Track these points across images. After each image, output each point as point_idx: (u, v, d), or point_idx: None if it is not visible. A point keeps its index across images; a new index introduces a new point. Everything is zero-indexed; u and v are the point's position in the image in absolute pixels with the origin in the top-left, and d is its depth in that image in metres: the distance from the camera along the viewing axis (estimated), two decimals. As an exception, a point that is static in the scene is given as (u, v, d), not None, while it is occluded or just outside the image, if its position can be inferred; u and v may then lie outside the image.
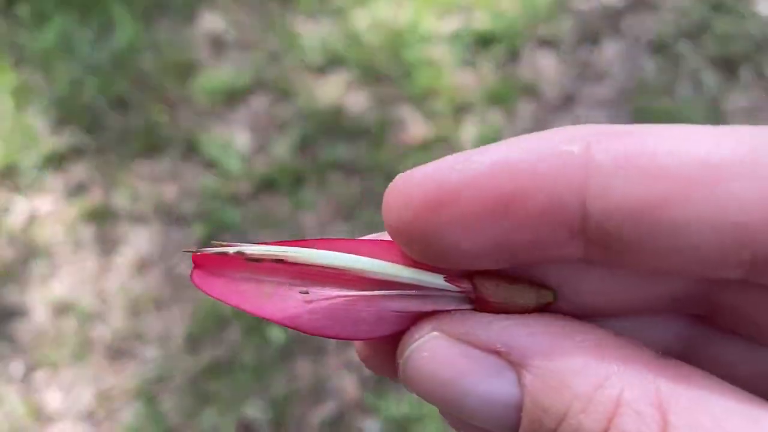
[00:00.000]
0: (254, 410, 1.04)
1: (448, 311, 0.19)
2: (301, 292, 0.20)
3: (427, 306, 0.20)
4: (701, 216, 0.15)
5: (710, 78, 1.31)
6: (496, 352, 0.17)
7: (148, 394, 1.06)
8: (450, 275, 0.20)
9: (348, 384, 1.05)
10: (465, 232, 0.17)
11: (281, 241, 0.21)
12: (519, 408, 0.17)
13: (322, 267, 0.20)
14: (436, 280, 0.20)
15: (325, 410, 1.03)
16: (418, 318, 0.20)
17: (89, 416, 1.05)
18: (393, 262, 0.20)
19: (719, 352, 0.20)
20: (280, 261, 0.20)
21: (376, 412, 1.02)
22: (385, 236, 0.21)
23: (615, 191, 0.16)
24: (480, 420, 0.18)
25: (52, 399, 1.06)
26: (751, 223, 0.15)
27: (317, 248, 0.20)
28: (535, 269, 0.19)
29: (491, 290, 0.19)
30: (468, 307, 0.20)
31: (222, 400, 1.05)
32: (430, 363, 0.18)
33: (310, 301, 0.20)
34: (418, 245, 0.18)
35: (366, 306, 0.20)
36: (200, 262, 0.21)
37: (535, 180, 0.16)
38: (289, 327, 0.20)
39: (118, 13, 1.43)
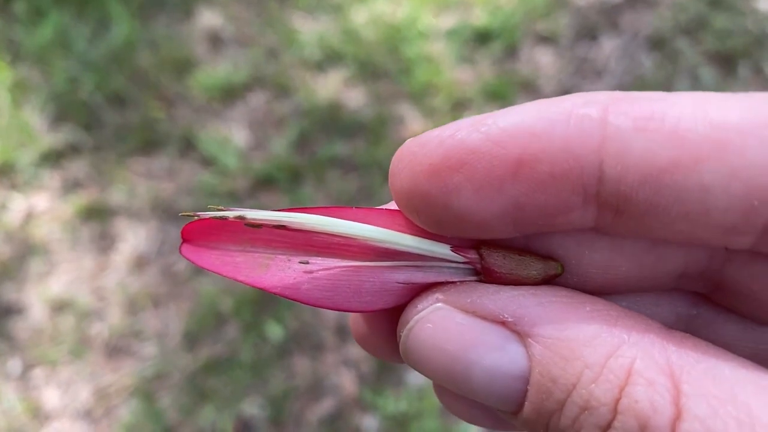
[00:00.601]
0: (252, 407, 1.04)
1: (454, 282, 0.19)
2: (300, 263, 0.20)
3: (432, 277, 0.19)
4: (715, 179, 0.15)
5: (708, 74, 1.31)
6: (503, 323, 0.17)
7: (145, 392, 1.06)
8: (456, 245, 0.19)
9: (346, 381, 1.05)
10: (478, 195, 0.17)
11: (283, 209, 0.20)
12: (525, 380, 0.17)
13: (325, 234, 0.19)
14: (442, 249, 0.19)
15: (323, 407, 1.03)
16: (421, 290, 0.19)
17: (87, 414, 1.05)
18: (398, 231, 0.20)
19: (719, 331, 0.20)
20: (281, 227, 0.19)
21: (375, 409, 1.02)
22: (389, 207, 0.21)
23: (632, 153, 0.16)
24: (484, 394, 0.17)
25: (50, 397, 1.06)
26: (764, 186, 0.15)
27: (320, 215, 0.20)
28: (541, 242, 0.19)
29: (498, 261, 0.19)
30: (474, 278, 0.19)
31: (220, 397, 1.05)
32: (435, 334, 0.18)
33: (311, 272, 0.20)
34: (427, 210, 0.18)
35: (369, 277, 0.19)
36: (190, 236, 0.20)
37: (552, 142, 0.16)
38: (287, 297, 0.19)
39: (115, 9, 1.42)
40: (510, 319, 0.17)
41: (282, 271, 0.20)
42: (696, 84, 1.30)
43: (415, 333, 0.18)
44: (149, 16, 1.44)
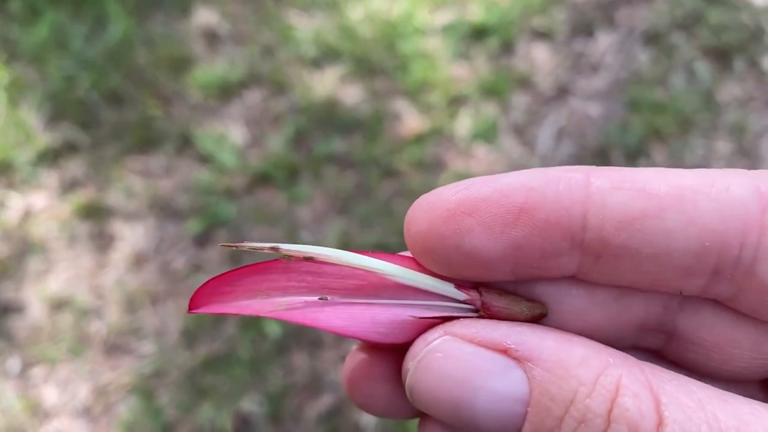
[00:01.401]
0: (251, 404, 1.04)
1: (457, 318, 0.22)
2: (320, 299, 0.22)
3: (438, 312, 0.22)
4: (675, 225, 0.19)
5: (704, 68, 1.31)
6: (504, 351, 0.19)
7: (144, 389, 1.06)
8: (459, 284, 0.22)
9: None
10: (486, 236, 0.20)
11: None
12: (526, 403, 0.19)
13: (348, 266, 0.22)
14: (447, 287, 0.22)
15: (321, 404, 1.04)
16: (428, 327, 0.22)
17: (86, 412, 1.05)
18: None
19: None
20: (309, 259, 0.22)
21: (373, 405, 1.03)
22: (402, 254, 0.23)
23: (610, 205, 0.19)
24: (486, 419, 0.19)
25: (49, 395, 1.07)
26: (712, 230, 0.19)
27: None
28: (527, 288, 0.22)
29: (494, 298, 0.22)
30: (474, 314, 0.22)
31: (219, 394, 1.05)
32: (444, 363, 0.20)
33: (329, 305, 0.22)
34: (440, 250, 0.21)
35: (383, 312, 0.22)
36: (196, 304, 0.23)
37: (547, 195, 0.20)
38: (306, 325, 0.22)
39: (112, 7, 1.42)
40: (512, 346, 0.19)
41: (301, 306, 0.22)
42: (692, 78, 1.30)
43: (425, 363, 0.20)
44: (146, 14, 1.44)
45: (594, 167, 0.20)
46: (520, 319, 0.22)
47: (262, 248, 0.22)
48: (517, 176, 0.20)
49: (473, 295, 0.22)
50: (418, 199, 0.22)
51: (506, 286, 0.22)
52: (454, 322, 0.21)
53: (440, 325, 0.21)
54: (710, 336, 0.22)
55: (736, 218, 0.19)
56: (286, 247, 0.22)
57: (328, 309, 0.22)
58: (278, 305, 0.22)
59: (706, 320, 0.22)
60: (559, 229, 0.20)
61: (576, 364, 0.18)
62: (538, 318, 0.22)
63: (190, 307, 0.23)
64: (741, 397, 0.18)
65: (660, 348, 0.23)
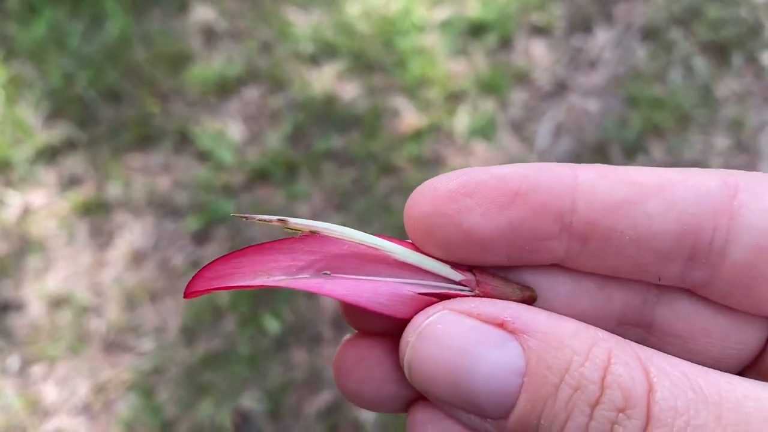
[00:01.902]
0: (250, 401, 1.04)
1: (455, 296, 0.23)
2: (323, 274, 0.23)
3: (436, 291, 0.23)
4: (656, 209, 0.21)
5: (702, 64, 1.31)
6: (501, 324, 0.20)
7: (144, 386, 1.06)
8: (455, 266, 0.23)
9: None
10: (484, 215, 0.22)
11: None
12: (522, 374, 0.20)
13: (350, 242, 0.23)
14: (444, 267, 0.23)
15: (321, 400, 1.04)
16: (427, 304, 0.22)
17: (86, 409, 1.05)
18: None
19: None
20: (315, 233, 0.23)
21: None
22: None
23: (598, 192, 0.21)
24: (485, 390, 0.20)
25: (49, 392, 1.07)
26: (689, 213, 0.21)
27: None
28: (516, 275, 0.24)
29: (488, 279, 0.23)
30: (470, 294, 0.23)
31: (218, 391, 1.05)
32: (445, 334, 0.21)
33: (332, 278, 0.23)
34: (441, 228, 0.22)
35: (383, 287, 0.23)
36: (194, 286, 0.23)
37: (540, 182, 0.21)
38: (311, 292, 0.22)
39: (109, 4, 1.42)
40: (509, 319, 0.20)
41: (304, 280, 0.23)
42: (690, 74, 1.30)
43: (425, 335, 0.21)
44: (143, 11, 1.44)
45: (580, 164, 0.22)
46: (513, 299, 0.23)
47: (270, 220, 0.23)
48: (513, 166, 0.22)
49: (468, 276, 0.23)
50: (418, 187, 0.23)
51: (498, 272, 0.24)
52: (453, 299, 0.22)
53: (440, 302, 0.22)
54: (685, 326, 0.23)
55: (708, 203, 0.21)
56: (293, 221, 0.23)
57: (331, 282, 0.23)
58: (281, 281, 0.23)
59: (681, 311, 0.23)
60: (550, 212, 0.21)
61: (569, 336, 0.20)
62: (529, 300, 0.23)
63: (188, 290, 0.23)
64: (718, 371, 0.19)
65: (640, 342, 0.24)
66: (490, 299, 0.22)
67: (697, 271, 0.22)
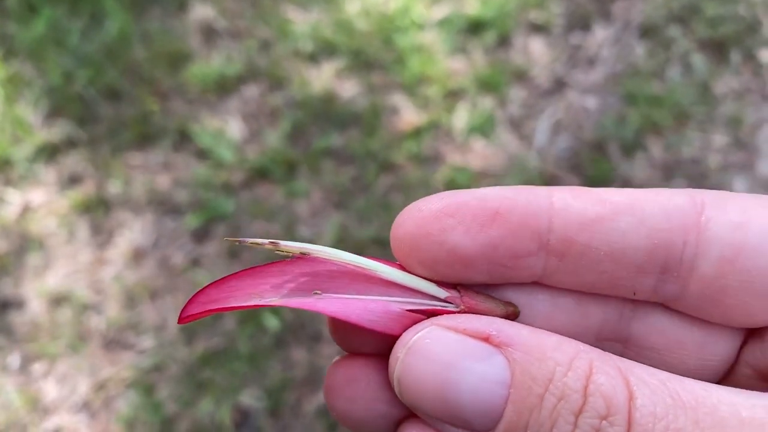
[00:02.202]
0: (250, 398, 1.05)
1: (441, 312, 0.24)
2: (314, 293, 0.24)
3: (423, 307, 0.24)
4: (629, 225, 0.22)
5: (700, 61, 1.31)
6: (486, 339, 0.21)
7: (144, 384, 1.06)
8: (440, 284, 0.24)
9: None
10: (466, 234, 0.23)
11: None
12: (507, 386, 0.20)
13: (340, 263, 0.24)
14: (429, 285, 0.24)
15: (320, 398, 1.04)
16: (414, 321, 0.23)
17: (86, 406, 1.06)
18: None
19: None
20: (305, 254, 0.24)
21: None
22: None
23: (572, 210, 0.23)
24: (474, 400, 0.21)
25: (49, 390, 1.07)
26: (660, 229, 0.22)
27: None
28: (497, 293, 0.25)
29: (472, 295, 0.24)
30: (455, 311, 0.24)
31: (218, 388, 1.05)
32: (433, 348, 0.21)
33: (323, 299, 0.24)
34: (425, 247, 0.23)
35: (373, 304, 0.24)
36: (189, 312, 0.24)
37: (518, 202, 0.23)
38: (304, 309, 0.23)
39: (109, 3, 1.42)
40: (494, 333, 0.21)
41: (297, 299, 0.24)
42: (688, 71, 1.30)
43: (414, 349, 0.22)
44: (142, 9, 1.44)
45: (556, 187, 0.24)
46: (497, 315, 0.24)
47: (262, 243, 0.24)
48: (494, 189, 0.23)
49: (453, 293, 0.24)
50: (403, 209, 0.24)
51: (481, 290, 0.25)
52: (440, 316, 0.23)
53: (428, 319, 0.23)
54: (660, 339, 0.25)
55: (677, 219, 0.22)
56: (284, 244, 0.24)
57: (322, 301, 0.24)
58: (273, 301, 0.23)
59: (656, 325, 0.25)
60: (528, 230, 0.23)
61: (551, 348, 0.20)
62: (512, 315, 0.24)
63: (183, 315, 0.24)
64: (693, 379, 0.20)
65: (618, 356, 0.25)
66: (475, 315, 0.23)
67: (669, 285, 0.23)
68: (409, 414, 0.24)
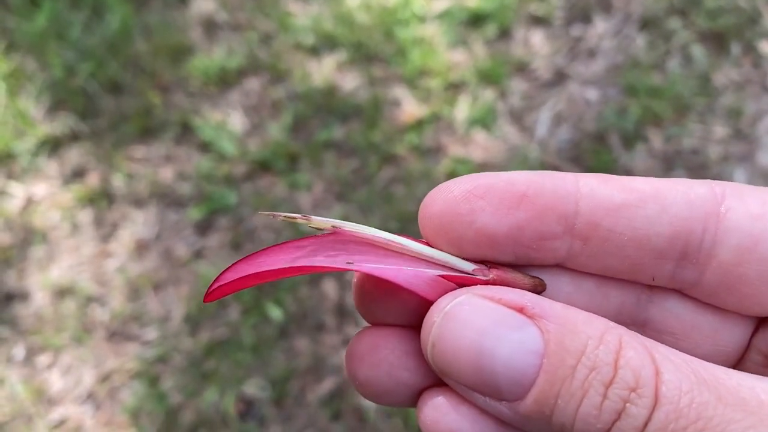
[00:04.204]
0: (254, 388, 1.05)
1: (472, 281, 0.24)
2: (346, 263, 0.24)
3: (454, 274, 0.24)
4: (653, 212, 0.23)
5: (700, 53, 1.32)
6: (521, 309, 0.22)
7: (149, 375, 1.07)
8: (467, 259, 0.25)
9: (346, 361, 1.06)
10: (494, 215, 0.24)
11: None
12: (542, 355, 0.21)
13: (369, 239, 0.24)
14: (459, 260, 0.25)
15: (324, 387, 1.05)
16: (446, 288, 0.24)
17: (91, 397, 1.06)
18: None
19: None
20: (336, 228, 0.24)
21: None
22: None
23: (599, 196, 0.23)
24: (505, 369, 0.21)
25: (54, 381, 1.08)
26: (682, 217, 0.23)
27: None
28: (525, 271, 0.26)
29: (502, 270, 0.25)
30: (485, 280, 0.24)
31: (222, 378, 1.06)
32: (470, 314, 0.22)
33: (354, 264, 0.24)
34: (454, 226, 0.24)
35: (405, 269, 0.24)
36: (214, 291, 0.24)
37: (545, 186, 0.24)
38: (340, 271, 0.23)
39: (109, -4, 1.43)
40: (528, 304, 0.22)
41: (332, 263, 0.24)
42: (688, 63, 1.31)
43: (452, 314, 0.22)
44: (143, 3, 1.44)
45: (581, 173, 0.24)
46: (524, 287, 0.24)
47: (295, 218, 0.24)
48: (522, 172, 0.24)
49: (481, 266, 0.25)
50: (433, 190, 0.25)
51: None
52: (476, 286, 0.23)
53: (464, 288, 0.23)
54: (676, 324, 0.26)
55: (699, 208, 0.23)
56: (316, 219, 0.24)
57: (357, 265, 0.24)
58: (304, 262, 0.24)
59: (672, 309, 0.25)
60: (554, 213, 0.23)
61: (583, 322, 0.21)
62: (540, 288, 0.25)
63: (212, 287, 0.24)
64: (713, 363, 0.21)
65: None
66: (508, 287, 0.23)
67: (687, 271, 0.24)
68: (430, 384, 0.24)
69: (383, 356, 0.25)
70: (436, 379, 0.24)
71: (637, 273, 0.24)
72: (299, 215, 0.24)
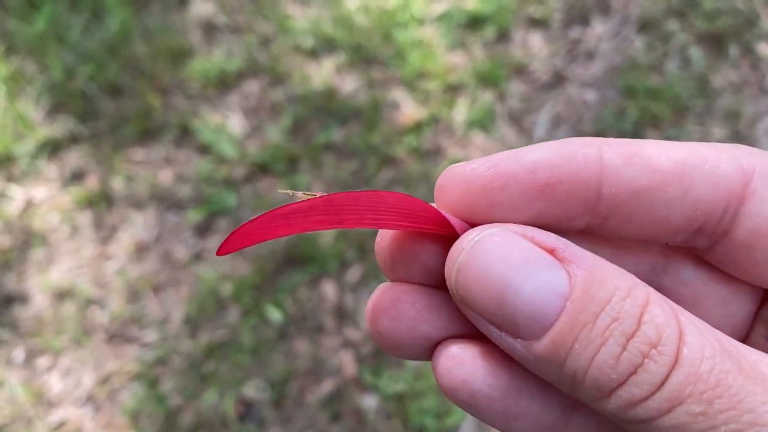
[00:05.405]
0: (254, 390, 1.05)
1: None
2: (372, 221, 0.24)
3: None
4: (675, 195, 0.23)
5: (698, 54, 1.32)
6: (552, 251, 0.21)
7: (148, 377, 1.07)
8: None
9: (346, 362, 1.06)
10: (514, 211, 0.23)
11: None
12: (565, 299, 0.21)
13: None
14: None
15: (323, 389, 1.05)
16: (458, 225, 0.24)
17: (91, 400, 1.06)
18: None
19: None
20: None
21: (375, 389, 1.04)
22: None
23: (623, 179, 0.23)
24: (531, 304, 0.21)
25: (54, 384, 1.08)
26: (703, 199, 0.23)
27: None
28: None
29: None
30: None
31: (222, 380, 1.06)
32: (500, 246, 0.22)
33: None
34: (471, 215, 0.24)
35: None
36: (227, 249, 0.24)
37: (568, 172, 0.23)
38: (359, 228, 0.24)
39: (109, -1, 1.43)
40: (560, 247, 0.21)
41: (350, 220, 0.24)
42: (686, 64, 1.31)
43: (481, 243, 0.22)
44: (143, 5, 1.45)
45: (604, 140, 0.23)
46: None
47: (314, 195, 0.24)
48: (541, 153, 0.23)
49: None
50: (449, 168, 0.24)
51: None
52: (509, 224, 0.23)
53: (498, 223, 0.23)
54: (689, 292, 0.25)
55: (723, 190, 0.23)
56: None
57: (375, 221, 0.24)
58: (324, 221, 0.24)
59: (685, 279, 0.26)
60: (577, 199, 0.23)
61: (612, 274, 0.21)
62: None
63: (224, 247, 0.24)
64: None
65: None
66: (542, 231, 0.23)
67: (700, 240, 0.24)
68: (448, 337, 0.25)
69: (404, 310, 0.25)
70: (453, 334, 0.25)
71: (653, 240, 0.25)
72: (318, 193, 0.24)
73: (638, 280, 0.21)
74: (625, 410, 0.20)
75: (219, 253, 0.24)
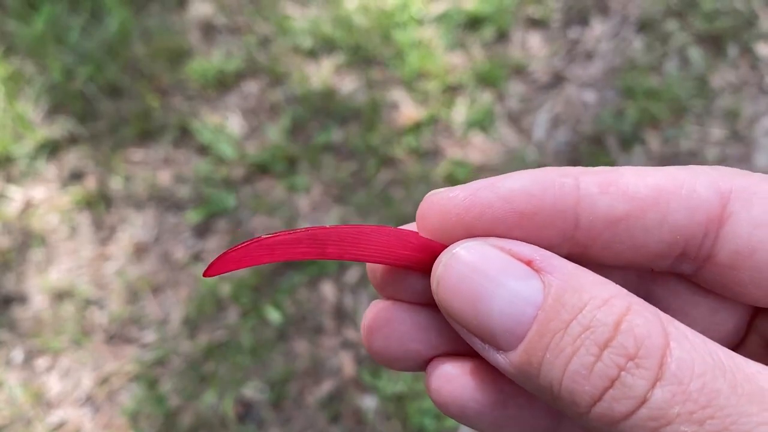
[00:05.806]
0: (253, 391, 1.05)
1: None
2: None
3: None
4: (653, 223, 0.23)
5: (697, 55, 1.32)
6: (529, 263, 0.22)
7: (147, 377, 1.07)
8: None
9: (345, 363, 1.06)
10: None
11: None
12: (538, 307, 0.21)
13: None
14: None
15: (322, 389, 1.05)
16: (441, 247, 0.24)
17: (90, 400, 1.06)
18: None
19: None
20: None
21: (374, 390, 1.04)
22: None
23: (599, 208, 0.23)
24: (503, 314, 0.21)
25: (53, 384, 1.08)
26: (682, 226, 0.23)
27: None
28: None
29: None
30: None
31: (221, 381, 1.06)
32: (476, 258, 0.22)
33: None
34: (449, 240, 0.24)
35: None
36: (212, 272, 0.24)
37: (544, 201, 0.23)
38: (346, 260, 0.24)
39: (108, 0, 1.43)
40: (538, 258, 0.22)
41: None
42: (685, 65, 1.31)
43: (458, 256, 0.23)
44: (142, 6, 1.45)
45: (582, 169, 0.24)
46: None
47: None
48: (517, 181, 0.23)
49: None
50: (429, 195, 0.24)
51: None
52: (490, 237, 0.23)
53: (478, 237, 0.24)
54: (677, 301, 0.25)
55: (701, 214, 0.23)
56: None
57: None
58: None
59: (673, 288, 0.26)
60: (554, 228, 0.23)
61: (591, 283, 0.21)
62: None
63: (206, 273, 0.24)
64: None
65: None
66: (523, 243, 0.23)
67: (685, 265, 0.24)
68: (439, 353, 0.26)
69: (395, 329, 0.26)
70: (444, 350, 0.25)
71: (636, 266, 0.24)
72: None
73: (623, 290, 0.21)
74: (609, 427, 0.19)
75: (206, 274, 0.24)
